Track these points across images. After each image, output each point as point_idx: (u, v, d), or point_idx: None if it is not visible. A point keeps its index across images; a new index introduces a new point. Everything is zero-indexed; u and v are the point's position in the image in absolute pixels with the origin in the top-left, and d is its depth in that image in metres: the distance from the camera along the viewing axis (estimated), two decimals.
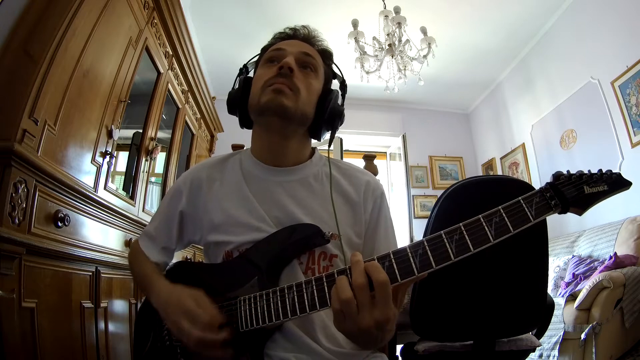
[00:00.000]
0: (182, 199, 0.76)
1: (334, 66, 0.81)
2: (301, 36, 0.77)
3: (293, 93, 0.68)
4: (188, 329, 0.57)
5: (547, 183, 0.51)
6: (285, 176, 0.74)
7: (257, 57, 0.79)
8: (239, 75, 0.78)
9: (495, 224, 0.48)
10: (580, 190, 0.50)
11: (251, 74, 0.79)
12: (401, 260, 0.49)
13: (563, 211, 0.50)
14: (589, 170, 0.52)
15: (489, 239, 0.48)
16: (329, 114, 0.72)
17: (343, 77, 0.81)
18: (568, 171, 0.52)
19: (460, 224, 0.49)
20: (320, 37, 0.79)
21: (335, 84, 0.80)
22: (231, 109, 0.76)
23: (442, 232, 0.49)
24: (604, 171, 0.51)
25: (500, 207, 0.49)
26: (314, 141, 0.79)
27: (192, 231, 0.77)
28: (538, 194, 0.50)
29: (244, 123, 0.77)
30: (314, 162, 0.77)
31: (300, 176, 0.74)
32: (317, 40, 0.78)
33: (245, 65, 0.79)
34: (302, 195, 0.72)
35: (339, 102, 0.76)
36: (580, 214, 0.50)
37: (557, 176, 0.51)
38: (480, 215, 0.49)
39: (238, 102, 0.74)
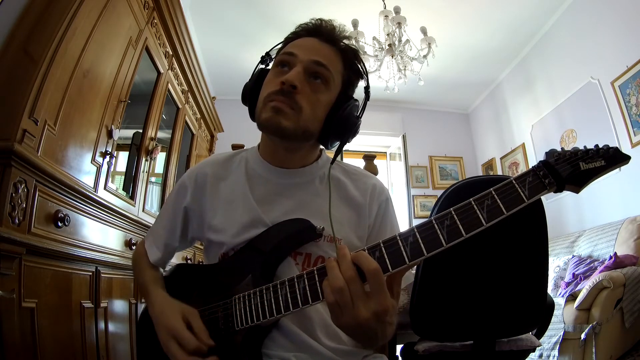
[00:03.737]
0: (187, 195, 0.76)
1: (360, 66, 0.74)
2: (324, 32, 0.71)
3: (294, 112, 0.64)
4: (174, 352, 0.58)
5: (540, 161, 0.49)
6: (290, 178, 0.74)
7: (281, 44, 0.75)
8: (260, 62, 0.74)
9: (487, 206, 0.46)
10: (575, 167, 0.47)
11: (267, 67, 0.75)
12: (391, 249, 0.48)
13: (559, 190, 0.48)
14: (585, 146, 0.50)
15: (482, 222, 0.46)
16: (338, 127, 0.68)
17: (368, 80, 0.75)
18: (562, 148, 0.50)
19: (451, 208, 0.48)
20: (345, 34, 0.73)
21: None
22: (244, 101, 0.74)
23: (432, 218, 0.48)
24: (600, 146, 0.49)
25: (491, 189, 0.47)
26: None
27: (196, 228, 0.77)
28: (531, 172, 0.48)
29: (254, 116, 0.73)
30: (320, 165, 0.76)
31: (305, 179, 0.74)
32: (342, 38, 0.72)
33: (268, 53, 0.75)
34: (306, 197, 0.72)
35: (356, 112, 0.71)
36: (577, 192, 0.48)
37: (551, 154, 0.49)
38: (471, 199, 0.48)
39: (249, 97, 0.71)
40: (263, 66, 0.74)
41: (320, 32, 0.72)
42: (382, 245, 0.49)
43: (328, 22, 0.73)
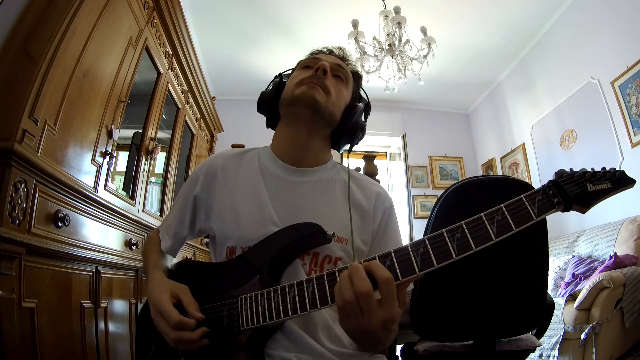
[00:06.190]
0: (197, 185, 0.77)
1: (361, 90, 0.86)
2: (336, 55, 0.83)
3: (325, 94, 0.72)
4: (162, 327, 0.60)
5: (550, 181, 0.51)
6: (300, 176, 0.75)
7: (292, 70, 0.84)
8: (274, 79, 0.82)
9: (497, 222, 0.48)
10: (583, 188, 0.49)
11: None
12: (402, 259, 0.49)
13: (566, 209, 0.49)
14: (592, 168, 0.52)
15: (491, 237, 0.47)
16: (352, 124, 0.76)
17: (368, 100, 0.86)
18: (571, 169, 0.52)
19: (462, 222, 0.49)
20: (353, 61, 0.86)
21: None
22: (261, 107, 0.81)
23: (443, 230, 0.49)
24: (607, 169, 0.51)
25: (502, 205, 0.49)
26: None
27: (204, 218, 0.77)
28: (540, 191, 0.49)
29: (270, 122, 0.82)
30: (328, 167, 0.79)
31: (315, 179, 0.76)
32: (350, 62, 0.84)
33: (280, 74, 0.83)
34: (314, 197, 0.73)
35: (362, 118, 0.80)
36: (583, 212, 0.50)
37: (560, 174, 0.51)
38: (482, 214, 0.49)
39: (269, 101, 0.79)
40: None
41: (333, 52, 0.84)
42: (393, 254, 0.50)
43: (337, 50, 0.85)
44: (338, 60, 0.80)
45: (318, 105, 0.71)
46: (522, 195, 0.49)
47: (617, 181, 0.50)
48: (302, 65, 0.79)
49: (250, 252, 0.66)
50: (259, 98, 0.81)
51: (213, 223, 0.74)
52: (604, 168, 0.51)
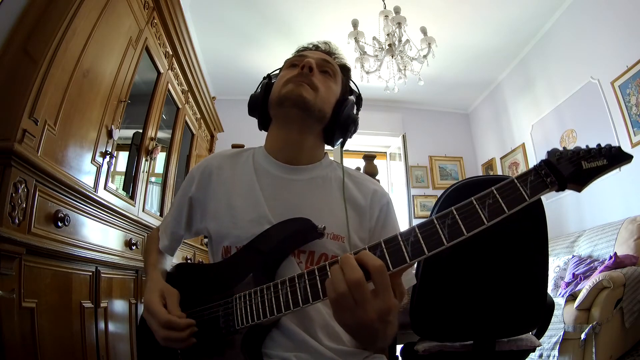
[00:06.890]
0: (193, 186, 0.78)
1: (351, 83, 0.85)
2: (322, 50, 0.82)
3: (313, 90, 0.72)
4: (151, 325, 0.62)
5: (542, 160, 0.49)
6: (295, 174, 0.75)
7: (280, 69, 0.82)
8: (262, 81, 0.81)
9: (488, 205, 0.46)
10: (577, 166, 0.47)
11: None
12: (393, 248, 0.48)
13: (560, 189, 0.47)
14: (587, 145, 0.49)
15: (483, 221, 0.46)
16: (344, 118, 0.75)
17: (359, 92, 0.85)
18: (564, 147, 0.50)
19: (452, 207, 0.47)
20: (340, 54, 0.85)
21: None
22: (252, 110, 0.81)
23: (433, 217, 0.48)
24: (602, 145, 0.49)
25: (493, 187, 0.47)
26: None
27: (200, 218, 0.78)
28: (532, 171, 0.47)
29: (263, 124, 0.82)
30: (323, 165, 0.79)
31: (310, 176, 0.76)
32: (337, 55, 0.83)
33: (268, 75, 0.82)
34: (310, 195, 0.73)
35: (354, 111, 0.80)
36: (579, 191, 0.48)
37: (553, 153, 0.49)
38: (472, 198, 0.47)
39: (259, 103, 0.78)
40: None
41: (319, 49, 0.83)
42: (382, 244, 0.49)
43: (323, 44, 0.84)
44: (324, 55, 0.79)
45: (306, 103, 0.70)
46: (513, 177, 0.47)
47: (613, 157, 0.47)
48: (289, 63, 0.79)
49: (243, 251, 0.66)
50: (248, 101, 0.80)
51: (209, 223, 0.74)
52: (599, 145, 0.49)
